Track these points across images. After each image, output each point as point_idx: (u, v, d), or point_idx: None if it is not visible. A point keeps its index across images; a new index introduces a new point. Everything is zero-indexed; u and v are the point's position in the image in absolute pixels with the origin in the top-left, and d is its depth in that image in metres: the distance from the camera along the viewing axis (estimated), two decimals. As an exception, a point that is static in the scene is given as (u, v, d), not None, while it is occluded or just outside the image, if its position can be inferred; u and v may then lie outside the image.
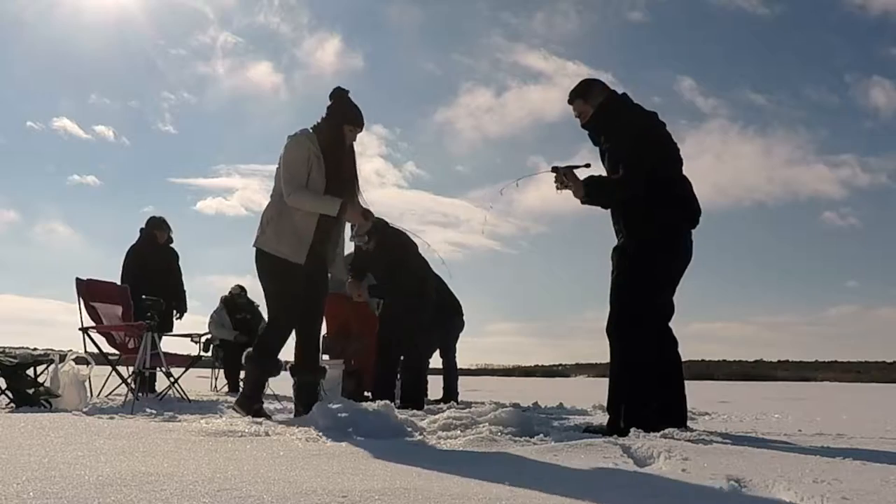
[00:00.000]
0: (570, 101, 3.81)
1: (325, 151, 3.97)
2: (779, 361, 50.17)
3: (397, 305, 5.59)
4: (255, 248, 4.03)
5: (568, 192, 3.66)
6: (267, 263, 3.99)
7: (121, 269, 7.02)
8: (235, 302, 8.20)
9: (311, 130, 4.02)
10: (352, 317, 6.35)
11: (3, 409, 4.37)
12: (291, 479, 1.90)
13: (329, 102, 4.08)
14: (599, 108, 3.71)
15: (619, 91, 3.78)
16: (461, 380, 7.52)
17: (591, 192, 3.60)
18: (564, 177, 3.63)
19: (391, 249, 5.59)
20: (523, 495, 1.82)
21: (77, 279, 6.24)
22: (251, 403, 3.99)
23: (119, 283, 6.79)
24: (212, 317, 8.04)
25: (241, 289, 8.31)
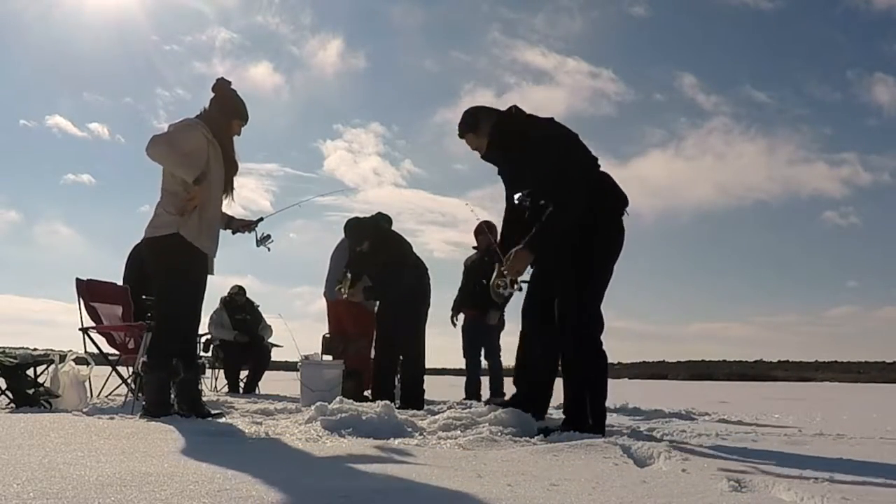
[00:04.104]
0: (462, 136, 3.61)
1: (218, 140, 3.92)
2: (779, 361, 50.13)
3: (395, 305, 5.59)
4: (167, 234, 3.78)
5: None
6: (184, 256, 3.79)
7: (123, 268, 7.01)
8: (235, 302, 8.20)
9: (194, 118, 3.93)
10: (347, 318, 6.35)
11: (3, 409, 4.36)
12: (291, 480, 1.90)
13: (213, 94, 4.00)
14: (494, 134, 3.50)
15: (504, 108, 3.57)
16: (461, 380, 7.51)
17: (536, 245, 3.31)
18: (506, 273, 3.33)
19: (386, 248, 5.59)
20: (523, 495, 1.82)
21: (77, 279, 6.24)
22: (159, 410, 3.75)
23: (121, 283, 6.78)
24: (211, 317, 8.03)
25: (240, 289, 8.31)
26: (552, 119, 3.55)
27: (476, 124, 3.58)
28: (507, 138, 3.47)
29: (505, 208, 3.69)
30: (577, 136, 3.48)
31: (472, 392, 7.11)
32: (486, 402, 3.55)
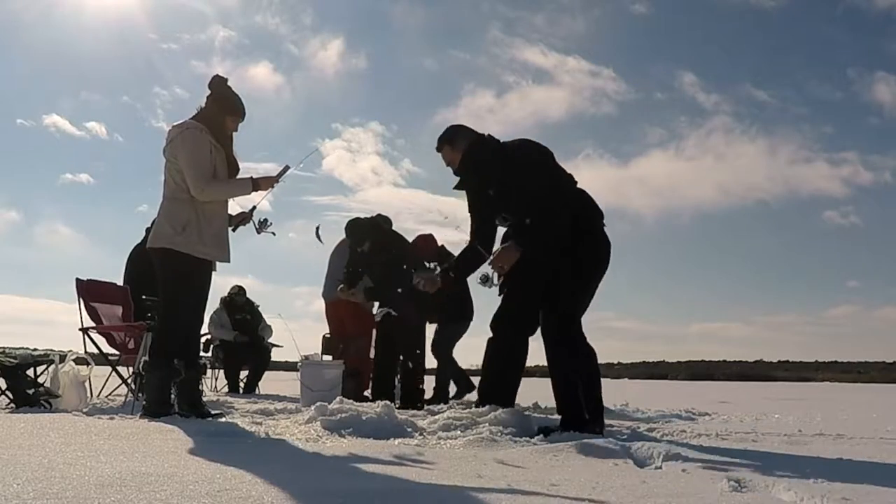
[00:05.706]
0: (439, 149, 3.65)
1: (218, 141, 3.93)
2: (779, 361, 50.09)
3: (396, 305, 5.58)
4: (163, 248, 3.83)
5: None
6: (185, 264, 3.84)
7: (123, 268, 7.01)
8: (234, 302, 8.20)
9: (195, 121, 3.93)
10: (348, 317, 6.35)
11: (3, 409, 4.37)
12: (291, 480, 1.90)
13: (209, 91, 3.99)
14: (470, 152, 3.53)
15: (485, 132, 3.62)
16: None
17: (523, 245, 3.33)
18: (491, 265, 3.38)
19: (388, 248, 5.59)
20: (523, 495, 1.82)
21: (77, 279, 6.24)
22: (160, 410, 3.77)
23: (121, 283, 6.78)
24: (211, 317, 8.03)
25: (240, 289, 8.31)
26: (527, 140, 3.57)
27: (453, 138, 3.62)
28: (483, 163, 3.51)
29: (476, 224, 3.65)
30: (553, 155, 3.52)
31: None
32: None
